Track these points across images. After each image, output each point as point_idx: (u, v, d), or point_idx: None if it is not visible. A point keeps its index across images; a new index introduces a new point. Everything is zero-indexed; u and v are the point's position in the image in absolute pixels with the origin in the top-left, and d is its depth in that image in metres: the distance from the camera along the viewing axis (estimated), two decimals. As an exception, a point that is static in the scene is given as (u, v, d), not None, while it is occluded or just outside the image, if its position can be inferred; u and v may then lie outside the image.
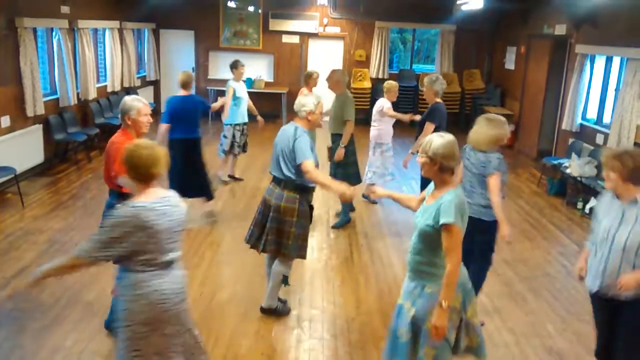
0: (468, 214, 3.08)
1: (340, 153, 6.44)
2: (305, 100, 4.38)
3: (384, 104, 7.39)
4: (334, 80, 6.55)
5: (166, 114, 6.31)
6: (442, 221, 2.93)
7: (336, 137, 6.55)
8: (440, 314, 2.95)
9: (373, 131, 7.51)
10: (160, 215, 2.81)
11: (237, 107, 7.93)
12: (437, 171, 3.05)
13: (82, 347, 4.06)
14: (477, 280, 4.45)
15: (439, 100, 6.09)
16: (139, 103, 3.94)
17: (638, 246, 3.14)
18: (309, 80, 7.39)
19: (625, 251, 3.18)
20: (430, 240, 3.02)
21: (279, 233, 4.35)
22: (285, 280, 4.69)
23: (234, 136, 8.03)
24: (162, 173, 2.90)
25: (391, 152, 7.61)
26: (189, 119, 6.39)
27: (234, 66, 7.99)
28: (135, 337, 2.84)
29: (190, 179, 6.33)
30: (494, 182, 4.32)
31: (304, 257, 4.49)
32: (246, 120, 8.16)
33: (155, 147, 2.90)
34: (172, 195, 2.98)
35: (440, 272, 3.01)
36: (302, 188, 4.34)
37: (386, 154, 7.55)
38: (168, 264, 2.89)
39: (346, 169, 6.56)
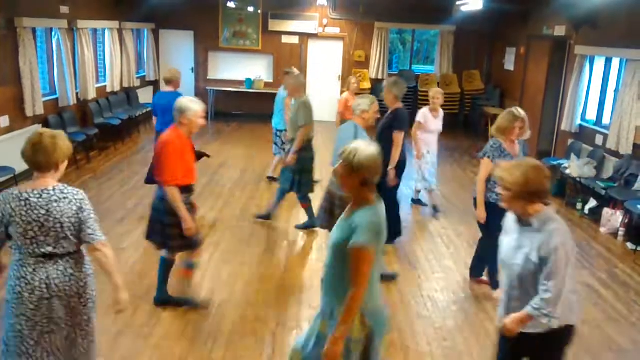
0: (384, 233, 2.76)
1: (291, 158, 6.22)
2: (361, 101, 5.02)
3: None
4: (291, 86, 6.44)
5: (152, 107, 7.08)
6: (353, 240, 2.63)
7: (291, 143, 6.28)
8: (333, 341, 2.68)
9: None
10: (30, 207, 2.82)
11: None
12: (359, 185, 2.71)
13: (80, 347, 4.04)
14: (484, 258, 5.13)
15: (399, 105, 5.87)
16: (198, 106, 4.20)
17: (532, 275, 2.77)
18: (353, 85, 7.72)
19: (521, 280, 2.83)
20: (344, 256, 2.71)
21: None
22: None
23: (283, 142, 8.04)
24: (48, 164, 2.88)
25: (426, 160, 7.33)
26: (166, 114, 6.48)
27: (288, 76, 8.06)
28: (6, 314, 2.97)
29: None
30: (481, 166, 4.84)
31: None
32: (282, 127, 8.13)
33: (47, 137, 2.86)
34: (60, 189, 2.91)
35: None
36: None
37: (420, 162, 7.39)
38: (43, 257, 2.89)
39: (302, 176, 6.29)
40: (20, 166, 7.55)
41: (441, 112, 7.37)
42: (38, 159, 2.86)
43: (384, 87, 5.92)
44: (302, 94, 6.44)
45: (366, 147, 2.73)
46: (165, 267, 4.59)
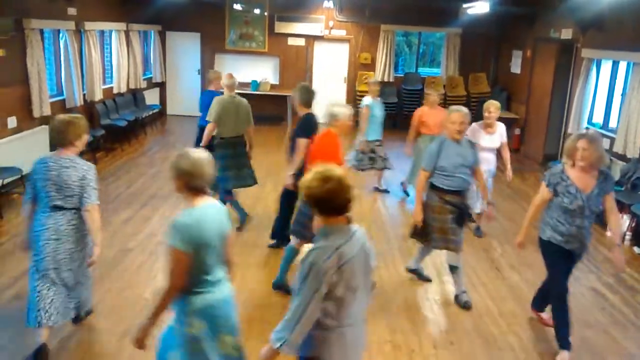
0: (202, 236, 2.83)
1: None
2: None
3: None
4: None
5: (199, 104, 7.56)
6: (168, 241, 2.83)
7: (212, 138, 6.47)
8: (139, 329, 2.96)
9: None
10: (47, 169, 3.75)
11: (370, 124, 7.92)
12: (184, 188, 2.90)
13: (85, 348, 4.06)
14: (543, 291, 4.68)
15: (307, 110, 5.60)
16: (347, 110, 4.83)
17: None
18: (429, 97, 7.64)
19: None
20: None
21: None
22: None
23: (364, 151, 7.99)
24: (63, 141, 3.80)
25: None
26: (206, 110, 7.22)
27: (368, 84, 8.18)
28: (34, 247, 3.87)
29: None
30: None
31: (438, 248, 5.10)
32: (378, 137, 8.08)
33: (62, 121, 3.84)
34: (71, 160, 3.79)
35: (183, 296, 2.88)
36: (432, 185, 4.94)
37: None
38: (54, 208, 3.79)
39: (220, 173, 6.19)
40: (27, 167, 7.59)
41: (500, 127, 6.47)
42: (55, 137, 3.86)
43: (292, 94, 5.72)
44: (225, 90, 6.57)
45: (192, 153, 2.92)
46: (292, 255, 5.02)
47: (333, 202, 2.46)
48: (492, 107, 6.36)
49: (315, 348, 2.49)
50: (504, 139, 6.53)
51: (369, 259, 2.61)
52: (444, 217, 4.88)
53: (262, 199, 7.74)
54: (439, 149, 4.85)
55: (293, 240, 5.03)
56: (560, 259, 4.21)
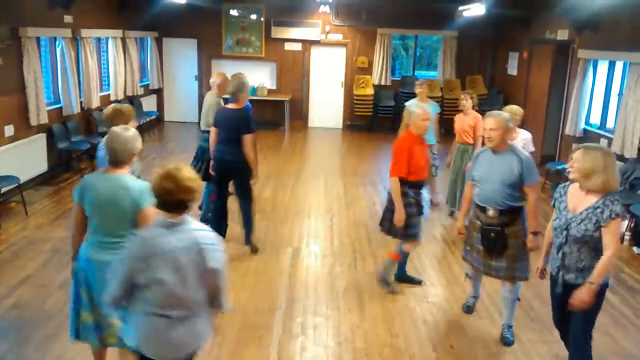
0: (93, 197, 3.24)
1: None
2: None
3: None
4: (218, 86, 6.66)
5: None
6: None
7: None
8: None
9: None
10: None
11: None
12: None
13: (85, 357, 4.04)
14: None
15: (229, 105, 5.79)
16: (419, 110, 4.84)
17: None
18: (460, 102, 7.08)
19: None
20: None
21: None
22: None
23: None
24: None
25: None
26: None
27: (414, 86, 7.73)
28: None
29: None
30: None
31: (465, 260, 4.75)
32: (431, 142, 7.25)
33: (108, 109, 4.18)
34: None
35: None
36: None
37: None
38: None
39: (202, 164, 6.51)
40: (25, 175, 7.59)
41: (523, 135, 6.08)
42: (105, 124, 4.19)
43: None
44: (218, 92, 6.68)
45: (115, 129, 3.37)
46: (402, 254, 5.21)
47: (165, 199, 2.65)
48: (512, 112, 5.67)
49: (134, 330, 2.77)
50: (530, 147, 5.96)
51: (201, 259, 2.67)
52: (472, 234, 4.48)
53: (259, 203, 7.72)
54: (476, 157, 4.46)
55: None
56: (553, 290, 3.76)
